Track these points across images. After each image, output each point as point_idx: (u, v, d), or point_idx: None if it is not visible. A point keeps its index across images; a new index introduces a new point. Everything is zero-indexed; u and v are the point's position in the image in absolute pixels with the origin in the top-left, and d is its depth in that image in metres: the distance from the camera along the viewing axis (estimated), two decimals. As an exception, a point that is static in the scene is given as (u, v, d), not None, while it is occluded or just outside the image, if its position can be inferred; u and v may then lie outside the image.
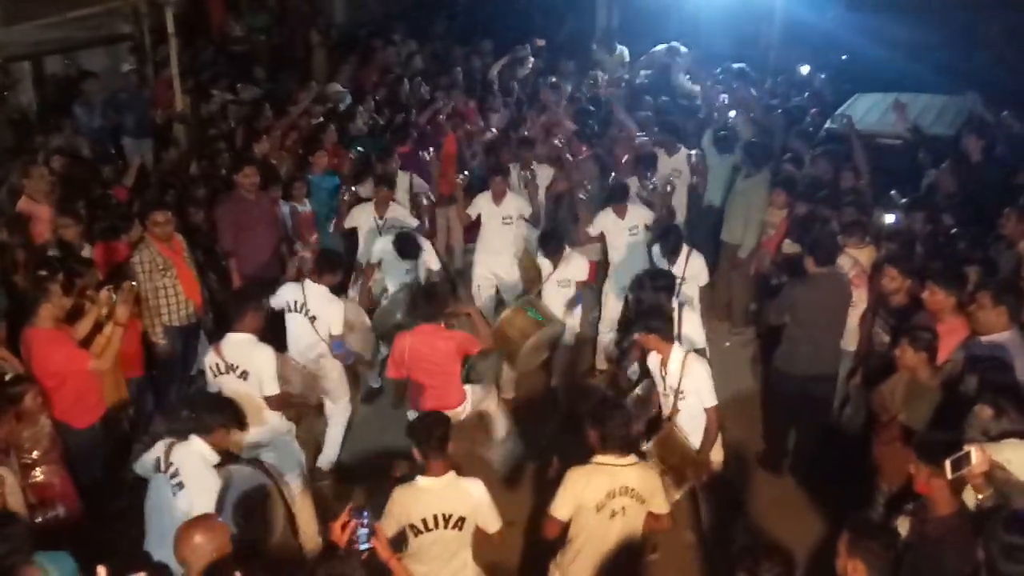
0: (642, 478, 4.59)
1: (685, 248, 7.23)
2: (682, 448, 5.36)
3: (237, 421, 4.89)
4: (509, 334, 6.79)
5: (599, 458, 4.58)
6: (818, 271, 6.41)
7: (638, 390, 6.27)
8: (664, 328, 5.58)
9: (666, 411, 5.62)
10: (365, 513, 3.74)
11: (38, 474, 5.24)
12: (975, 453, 3.97)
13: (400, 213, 8.10)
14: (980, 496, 4.09)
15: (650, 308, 5.95)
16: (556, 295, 7.37)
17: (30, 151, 8.33)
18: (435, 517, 4.43)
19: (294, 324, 6.54)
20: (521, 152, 8.99)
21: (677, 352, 5.55)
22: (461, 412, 6.16)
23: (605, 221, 7.97)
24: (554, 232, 7.63)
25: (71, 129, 9.38)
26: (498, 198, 8.08)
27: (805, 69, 12.80)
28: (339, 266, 6.74)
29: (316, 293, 6.47)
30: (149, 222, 6.75)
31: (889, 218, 7.15)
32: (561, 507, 4.55)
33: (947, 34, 14.59)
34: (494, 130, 10.38)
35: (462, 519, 4.49)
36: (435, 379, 6.03)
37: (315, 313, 6.45)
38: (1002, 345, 5.30)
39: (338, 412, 6.84)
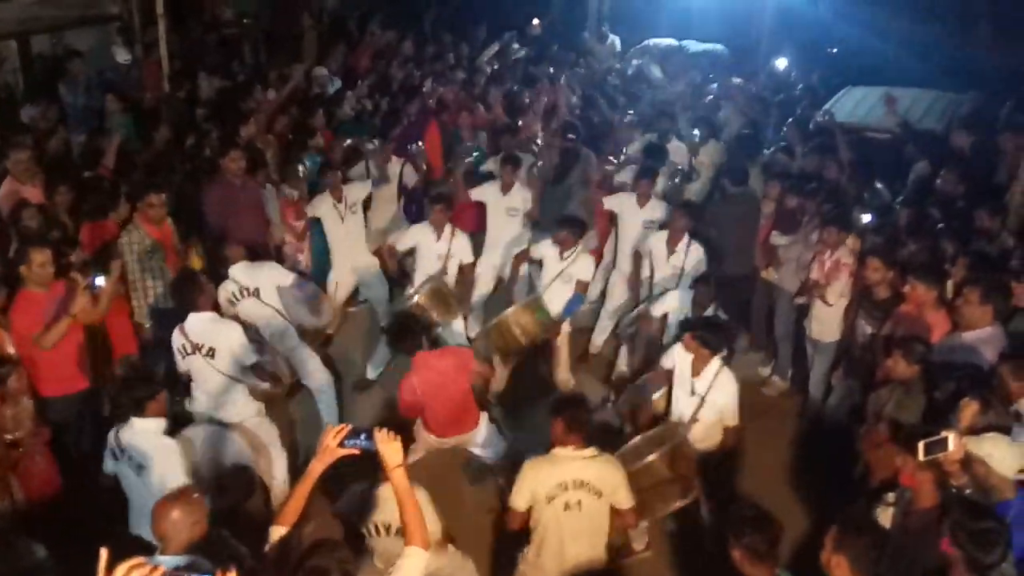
0: (601, 472, 4.55)
1: (685, 238, 7.23)
2: (693, 459, 5.30)
3: (161, 385, 4.92)
4: (512, 331, 6.72)
5: (556, 450, 4.57)
6: (734, 191, 7.99)
7: (638, 382, 6.31)
8: (717, 346, 5.58)
9: (681, 413, 5.62)
10: (362, 435, 3.54)
11: (20, 453, 5.19)
12: (953, 440, 3.98)
13: (358, 192, 8.02)
14: (956, 483, 4.11)
15: (712, 322, 6.04)
16: (558, 290, 7.17)
17: (18, 128, 8.24)
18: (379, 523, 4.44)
19: (248, 309, 6.53)
20: (507, 142, 8.94)
21: (716, 363, 5.57)
22: (474, 435, 6.00)
23: (623, 204, 7.90)
24: (578, 221, 7.41)
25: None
26: (506, 188, 8.06)
27: (782, 63, 12.85)
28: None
29: (244, 269, 6.53)
30: (143, 204, 6.68)
31: (866, 218, 7.16)
32: (516, 498, 4.57)
33: (938, 29, 14.65)
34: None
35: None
36: (453, 404, 5.79)
37: (258, 286, 6.52)
38: (984, 341, 5.34)
39: (322, 386, 6.80)
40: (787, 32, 14.16)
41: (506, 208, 8.04)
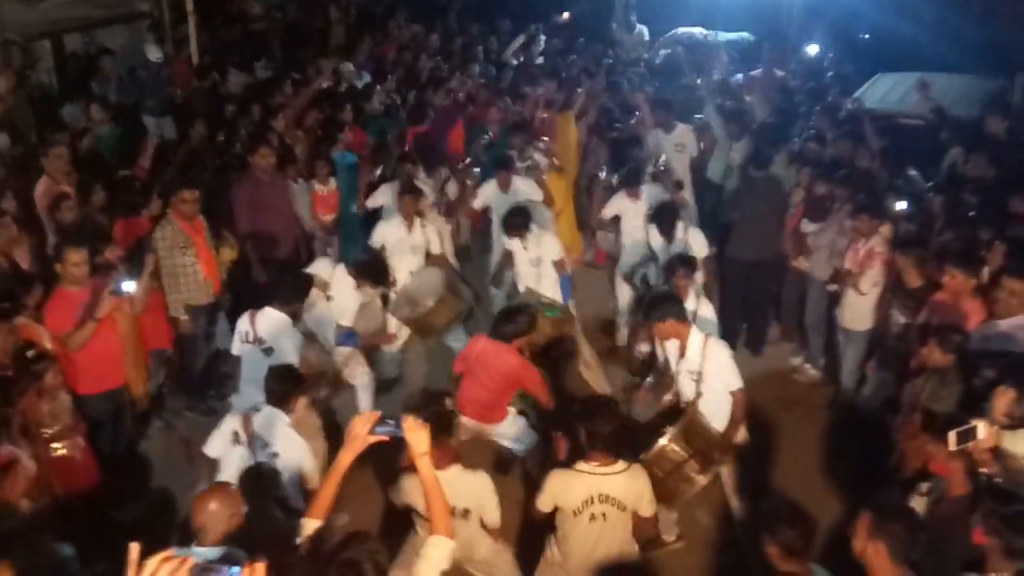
0: (627, 486, 4.52)
1: (682, 224, 7.20)
2: (706, 432, 5.25)
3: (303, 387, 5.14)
4: (537, 341, 6.66)
5: (581, 465, 4.53)
6: (757, 175, 7.87)
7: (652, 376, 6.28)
8: (680, 312, 5.51)
9: (687, 396, 5.55)
10: (391, 420, 3.48)
11: (59, 448, 5.29)
12: (982, 428, 3.94)
13: (425, 191, 8.04)
14: (987, 472, 4.06)
15: (662, 294, 5.88)
16: (529, 275, 7.23)
17: (56, 126, 8.36)
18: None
19: (313, 295, 6.61)
20: (521, 140, 8.88)
21: (696, 335, 5.46)
22: (498, 430, 6.04)
23: (620, 204, 7.90)
24: (519, 210, 7.40)
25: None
26: (504, 187, 8.08)
27: (813, 49, 12.71)
28: (380, 275, 6.80)
29: (342, 280, 6.65)
30: (176, 199, 6.74)
31: (900, 205, 7.07)
32: (542, 502, 4.60)
33: (968, 12, 14.42)
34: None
35: (466, 510, 4.56)
36: (487, 391, 5.83)
37: (334, 296, 6.62)
38: (1021, 327, 5.26)
39: (360, 382, 6.84)
40: (817, 19, 14.00)
41: (512, 204, 7.95)
